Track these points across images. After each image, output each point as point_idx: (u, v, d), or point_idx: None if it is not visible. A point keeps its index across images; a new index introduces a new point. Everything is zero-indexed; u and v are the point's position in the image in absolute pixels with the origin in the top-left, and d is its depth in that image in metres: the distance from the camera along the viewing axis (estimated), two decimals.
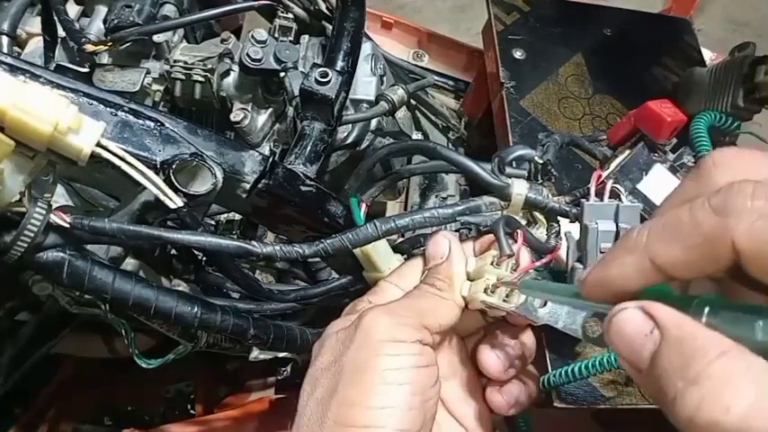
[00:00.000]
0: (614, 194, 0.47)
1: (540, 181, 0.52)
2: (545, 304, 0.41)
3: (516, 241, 0.43)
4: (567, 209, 0.48)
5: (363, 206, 0.56)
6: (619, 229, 0.43)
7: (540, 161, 0.52)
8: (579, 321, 0.39)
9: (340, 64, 0.63)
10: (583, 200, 0.46)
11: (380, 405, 0.37)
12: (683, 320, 0.25)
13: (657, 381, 0.25)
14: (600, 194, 0.46)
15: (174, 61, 0.71)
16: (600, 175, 0.47)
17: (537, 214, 0.51)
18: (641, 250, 0.28)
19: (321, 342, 0.43)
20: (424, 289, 0.44)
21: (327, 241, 0.47)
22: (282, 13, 0.76)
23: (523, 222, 0.47)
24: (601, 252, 0.44)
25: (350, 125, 0.74)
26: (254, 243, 0.46)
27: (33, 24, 0.73)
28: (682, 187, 0.31)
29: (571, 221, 0.48)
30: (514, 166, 0.52)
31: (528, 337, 0.46)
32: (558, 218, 0.50)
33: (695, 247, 0.26)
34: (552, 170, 0.53)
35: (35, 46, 0.73)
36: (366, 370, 0.38)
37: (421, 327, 0.41)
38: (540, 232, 0.50)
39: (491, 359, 0.44)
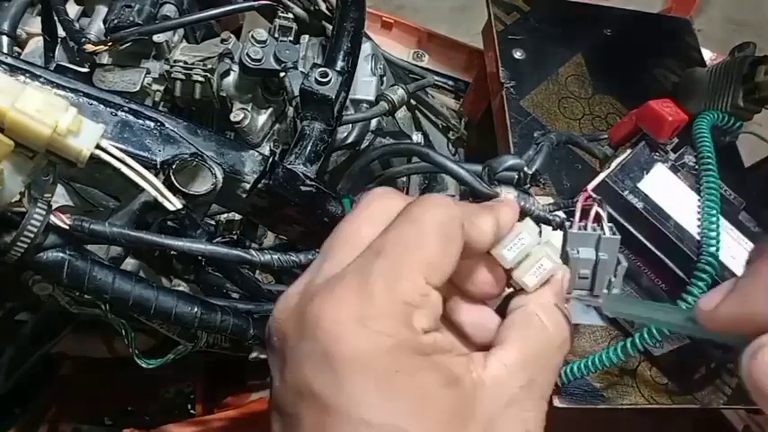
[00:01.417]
0: (597, 220, 0.48)
1: (528, 185, 0.52)
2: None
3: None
4: (551, 217, 0.48)
5: None
6: (598, 259, 0.44)
7: (530, 172, 0.52)
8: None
9: (340, 64, 0.63)
10: (567, 223, 0.47)
11: None
12: None
13: None
14: (585, 213, 0.46)
15: (174, 61, 0.71)
16: (588, 196, 0.48)
17: None
18: None
19: None
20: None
21: None
22: (282, 13, 0.76)
23: None
24: (580, 278, 0.44)
25: (350, 125, 0.74)
26: (252, 252, 0.47)
27: (33, 24, 0.73)
28: None
29: (553, 229, 0.48)
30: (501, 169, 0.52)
31: None
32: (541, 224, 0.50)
33: None
34: (540, 178, 0.53)
35: (35, 46, 0.73)
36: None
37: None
38: None
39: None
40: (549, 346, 0.35)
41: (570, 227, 0.45)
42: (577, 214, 0.46)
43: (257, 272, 0.76)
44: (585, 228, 0.45)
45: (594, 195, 0.52)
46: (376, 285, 0.30)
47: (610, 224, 0.46)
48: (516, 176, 0.51)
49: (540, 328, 0.35)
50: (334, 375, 0.29)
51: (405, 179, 0.93)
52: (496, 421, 0.31)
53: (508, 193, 0.49)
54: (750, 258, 0.31)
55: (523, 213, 0.49)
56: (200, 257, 0.64)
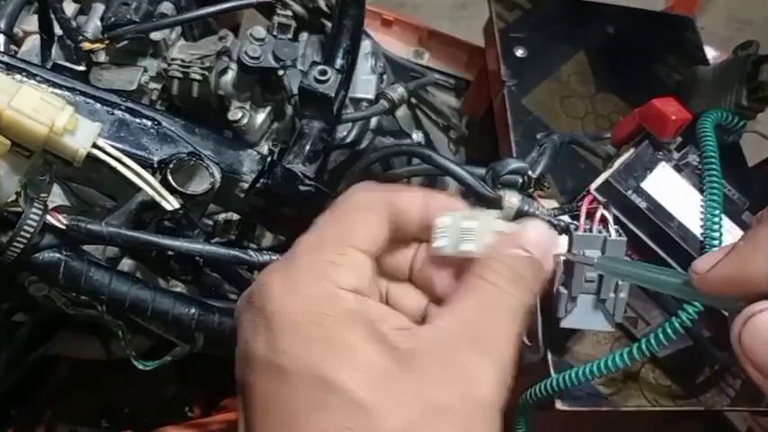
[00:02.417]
0: (603, 223, 0.47)
1: (533, 189, 0.52)
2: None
3: None
4: (556, 222, 0.48)
5: None
6: None
7: (534, 176, 0.51)
8: None
9: (339, 62, 0.63)
10: (572, 226, 0.46)
11: None
12: None
13: None
14: (590, 216, 0.46)
15: (172, 59, 0.71)
16: (592, 198, 0.48)
17: None
18: None
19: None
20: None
21: None
22: (281, 10, 0.75)
23: None
24: (586, 281, 0.44)
25: (349, 124, 0.74)
26: (250, 252, 0.46)
27: (30, 22, 0.72)
28: None
29: (559, 233, 0.48)
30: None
31: None
32: None
33: None
34: (545, 183, 0.52)
35: (32, 44, 0.72)
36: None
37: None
38: None
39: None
40: (495, 301, 0.33)
41: (576, 229, 0.45)
42: (582, 217, 0.45)
43: (255, 273, 0.75)
44: (591, 230, 0.45)
45: (600, 198, 0.51)
46: (302, 252, 0.33)
47: (616, 226, 0.45)
48: (520, 180, 0.50)
49: (486, 288, 0.34)
50: (267, 333, 0.30)
51: (404, 179, 0.92)
52: (434, 380, 0.30)
53: (511, 197, 0.48)
54: (750, 225, 0.30)
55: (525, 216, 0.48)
56: (197, 258, 0.64)
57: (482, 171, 0.51)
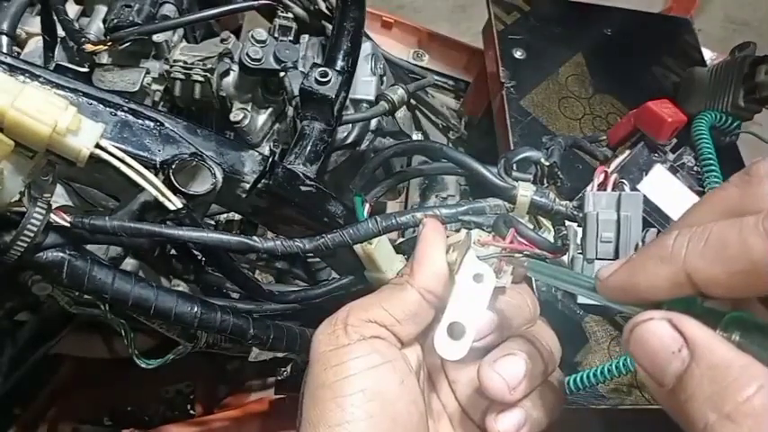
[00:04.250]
0: (617, 188, 0.46)
1: (546, 185, 0.51)
2: None
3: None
4: (575, 213, 0.47)
5: (367, 206, 0.55)
6: (620, 217, 0.43)
7: (547, 163, 0.51)
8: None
9: (340, 64, 0.63)
10: (585, 189, 0.46)
11: (337, 422, 0.35)
12: (715, 343, 0.24)
13: (684, 404, 0.24)
14: (603, 189, 0.45)
15: (174, 61, 0.71)
16: (605, 171, 0.47)
17: (543, 220, 0.50)
18: (679, 264, 0.26)
19: None
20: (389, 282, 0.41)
21: (328, 236, 0.47)
22: (282, 12, 0.76)
23: (530, 227, 0.46)
24: (601, 241, 0.43)
25: (350, 125, 0.74)
26: (255, 238, 0.46)
27: (33, 24, 0.73)
28: (724, 193, 0.28)
29: (579, 225, 0.47)
30: (515, 168, 0.51)
31: (546, 338, 0.40)
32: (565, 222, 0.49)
33: (742, 272, 0.24)
34: (559, 173, 0.52)
35: (35, 46, 0.73)
36: (318, 387, 0.36)
37: (365, 322, 0.38)
38: (547, 237, 0.49)
39: (491, 378, 0.36)
40: None
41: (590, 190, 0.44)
42: (596, 181, 0.45)
43: (257, 272, 0.76)
44: (605, 190, 0.44)
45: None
46: None
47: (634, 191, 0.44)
48: (534, 173, 0.50)
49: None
50: None
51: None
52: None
53: (525, 189, 0.48)
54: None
55: (541, 209, 0.48)
56: (201, 252, 0.64)
57: (494, 169, 0.50)
